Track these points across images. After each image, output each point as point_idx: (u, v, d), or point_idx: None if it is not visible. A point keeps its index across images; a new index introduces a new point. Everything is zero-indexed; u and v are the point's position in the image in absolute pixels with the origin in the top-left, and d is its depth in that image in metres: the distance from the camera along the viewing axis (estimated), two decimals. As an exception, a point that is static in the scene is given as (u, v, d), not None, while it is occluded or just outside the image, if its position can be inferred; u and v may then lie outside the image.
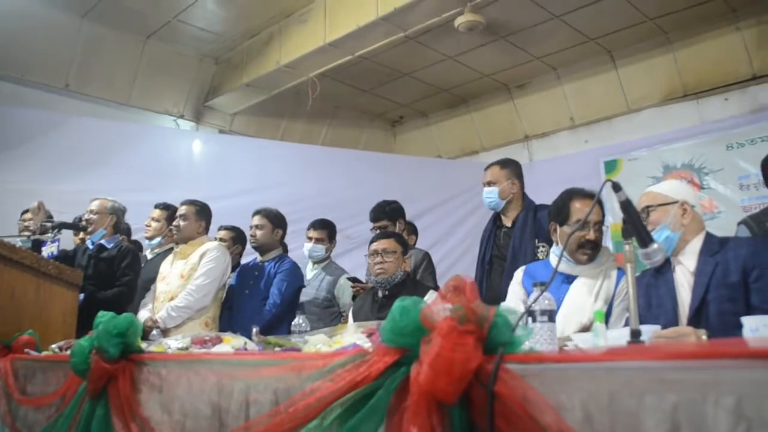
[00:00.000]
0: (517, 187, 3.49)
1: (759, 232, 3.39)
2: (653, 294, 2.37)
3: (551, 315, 1.55)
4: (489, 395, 1.08)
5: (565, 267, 2.61)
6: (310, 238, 4.40)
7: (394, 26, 5.66)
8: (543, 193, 3.48)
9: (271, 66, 6.50)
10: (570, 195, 2.70)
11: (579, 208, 2.62)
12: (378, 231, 4.02)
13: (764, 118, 5.77)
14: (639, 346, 1.26)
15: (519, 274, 2.81)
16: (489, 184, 3.53)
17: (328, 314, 4.23)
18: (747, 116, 5.88)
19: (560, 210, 2.69)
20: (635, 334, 1.43)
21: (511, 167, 3.59)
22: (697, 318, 2.19)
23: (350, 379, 1.30)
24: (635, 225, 1.53)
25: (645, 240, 1.56)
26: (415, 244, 4.68)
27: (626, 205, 1.53)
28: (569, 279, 2.58)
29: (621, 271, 2.56)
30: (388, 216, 4.15)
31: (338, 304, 4.31)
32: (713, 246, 2.29)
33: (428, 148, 7.99)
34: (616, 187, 1.51)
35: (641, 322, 2.29)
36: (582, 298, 2.49)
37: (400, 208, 4.25)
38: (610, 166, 6.57)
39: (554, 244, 2.77)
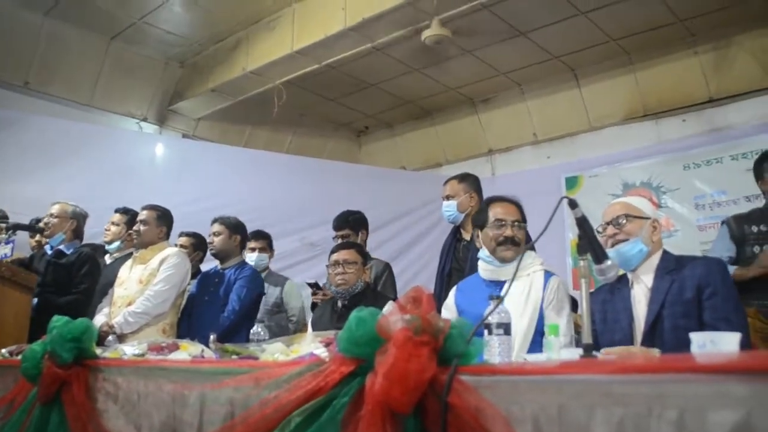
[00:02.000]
0: (476, 201, 3.54)
1: (737, 233, 3.44)
2: (609, 309, 2.42)
3: (507, 328, 1.57)
4: (443, 406, 1.10)
5: (491, 272, 2.65)
6: (253, 249, 4.52)
7: (362, 36, 5.70)
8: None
9: (237, 72, 6.48)
10: (489, 201, 2.80)
11: (497, 211, 2.68)
12: (340, 240, 4.03)
13: (720, 140, 5.93)
14: (588, 360, 1.29)
15: (452, 292, 2.82)
16: (448, 197, 3.58)
17: (278, 320, 4.30)
18: (703, 137, 6.03)
19: (480, 216, 2.76)
20: (588, 349, 1.46)
21: (469, 181, 3.64)
22: (651, 333, 2.24)
23: (307, 388, 1.30)
24: (590, 241, 1.57)
25: (599, 256, 1.59)
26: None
27: (581, 222, 1.56)
28: (499, 287, 2.58)
29: (548, 273, 2.60)
30: (351, 226, 4.16)
31: (287, 309, 4.44)
32: (670, 264, 2.36)
33: (393, 159, 8.02)
34: (572, 204, 1.54)
35: (597, 337, 2.35)
36: (514, 304, 2.47)
37: (363, 219, 4.27)
38: (571, 182, 6.68)
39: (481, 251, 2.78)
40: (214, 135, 7.35)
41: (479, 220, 2.75)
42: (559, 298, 2.54)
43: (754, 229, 3.37)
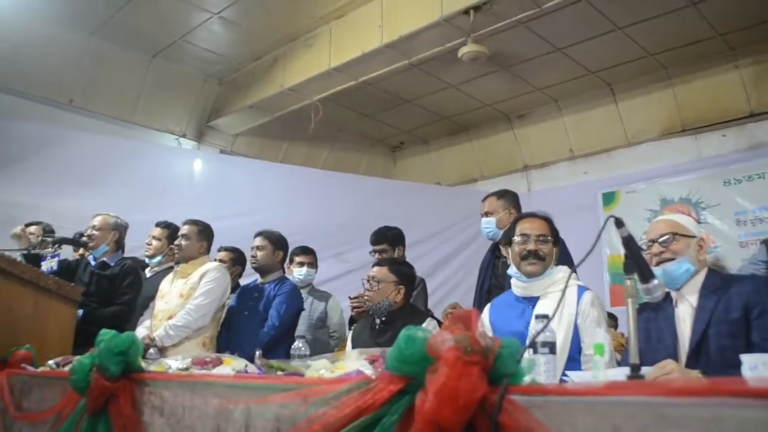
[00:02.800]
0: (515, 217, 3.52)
1: None
2: (653, 328, 2.37)
3: (552, 347, 1.57)
4: (493, 425, 1.10)
5: (521, 288, 2.63)
6: (301, 264, 4.51)
7: (398, 53, 5.74)
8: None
9: (274, 89, 6.57)
10: (517, 219, 2.78)
11: (523, 227, 2.67)
12: (376, 255, 4.04)
13: (761, 155, 5.85)
14: (640, 382, 1.28)
15: (486, 309, 2.80)
16: (486, 214, 3.57)
17: (320, 335, 4.31)
18: (744, 153, 5.96)
19: (508, 234, 2.76)
20: (635, 369, 1.44)
21: (508, 197, 3.64)
22: (697, 353, 2.20)
23: (355, 406, 1.30)
24: (637, 260, 1.56)
25: (646, 275, 1.58)
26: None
27: (628, 241, 1.55)
28: (532, 303, 2.57)
29: (582, 288, 2.57)
30: (389, 241, 4.17)
31: (329, 324, 4.46)
32: (715, 282, 2.31)
33: (428, 175, 8.04)
34: (619, 223, 1.53)
35: (644, 356, 2.32)
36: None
37: (401, 235, 4.28)
38: (608, 197, 6.62)
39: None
40: (251, 151, 7.45)
41: (507, 237, 2.75)
42: (595, 313, 2.51)
43: None
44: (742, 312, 2.17)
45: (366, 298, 3.26)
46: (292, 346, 2.59)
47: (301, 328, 4.24)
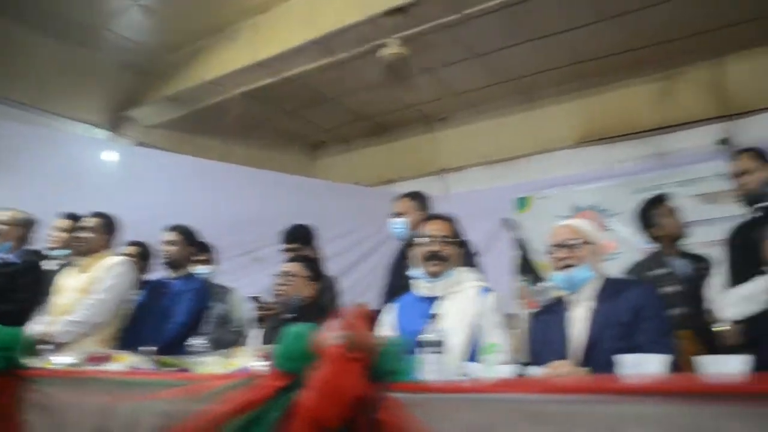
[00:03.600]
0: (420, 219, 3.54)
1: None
2: (548, 330, 2.43)
3: (441, 345, 1.59)
4: (372, 422, 1.10)
5: (424, 288, 2.68)
6: (202, 261, 4.48)
7: (322, 51, 5.71)
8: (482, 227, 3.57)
9: (194, 81, 6.42)
10: (421, 221, 2.85)
11: (427, 228, 2.73)
12: (289, 253, 4.02)
13: (667, 166, 6.08)
14: (515, 379, 1.31)
15: (390, 309, 2.84)
16: (398, 215, 3.59)
17: (222, 332, 4.27)
18: (651, 163, 6.19)
19: (414, 234, 2.81)
20: (522, 367, 1.48)
21: (420, 199, 3.68)
22: (589, 356, 2.26)
23: (239, 402, 1.29)
24: (529, 263, 1.59)
25: (538, 277, 1.62)
26: None
27: (521, 243, 1.59)
28: (434, 303, 2.61)
29: (485, 289, 2.62)
30: (301, 239, 4.15)
31: (231, 321, 4.43)
32: (609, 287, 2.40)
33: (347, 175, 8.00)
34: (512, 226, 1.57)
35: (536, 357, 2.38)
36: (449, 320, 2.48)
37: (313, 233, 4.26)
38: (522, 202, 6.76)
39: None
40: (167, 144, 7.24)
41: (413, 238, 2.78)
42: (495, 313, 2.56)
43: (656, 273, 3.53)
44: (631, 316, 2.26)
45: (278, 291, 3.27)
46: (192, 343, 2.55)
47: (206, 327, 4.17)
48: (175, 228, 4.08)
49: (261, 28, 6.01)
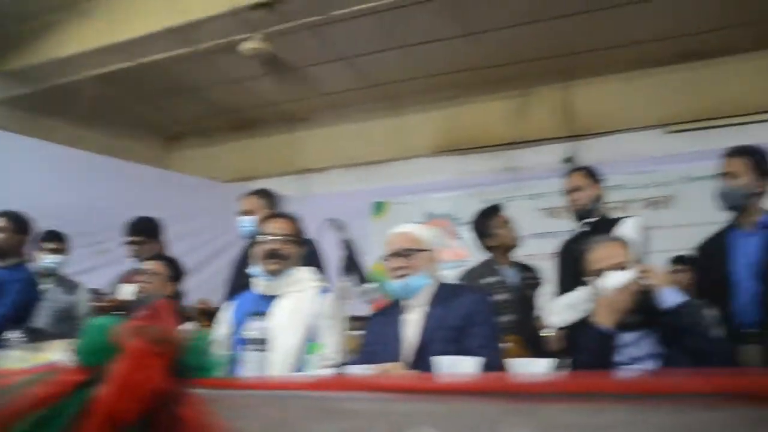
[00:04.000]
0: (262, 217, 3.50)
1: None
2: (382, 332, 2.47)
3: (263, 343, 1.58)
4: (171, 419, 1.07)
5: (262, 287, 2.67)
6: (50, 250, 4.23)
7: (182, 40, 5.52)
8: (316, 227, 3.54)
9: (42, 57, 6.00)
10: (263, 219, 2.86)
11: (268, 226, 2.73)
12: (133, 246, 3.87)
13: (515, 180, 6.41)
14: (314, 377, 1.32)
15: (228, 306, 2.82)
16: (246, 212, 3.54)
17: (64, 326, 4.04)
18: (502, 176, 6.49)
19: (256, 232, 2.82)
20: (342, 367, 1.50)
21: (269, 198, 3.64)
22: (420, 358, 2.30)
23: (36, 397, 1.22)
24: (354, 264, 1.62)
25: (362, 278, 1.65)
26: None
27: (348, 244, 1.61)
28: (272, 301, 2.61)
29: (324, 289, 2.63)
30: (146, 232, 4.00)
31: (78, 315, 4.18)
32: (444, 293, 2.48)
33: (205, 169, 7.74)
34: (339, 226, 1.59)
35: (368, 357, 2.42)
36: (286, 319, 2.52)
37: (159, 226, 4.12)
38: (378, 207, 6.89)
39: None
40: (9, 124, 6.69)
41: (254, 236, 2.77)
42: (331, 315, 2.55)
43: (487, 280, 3.68)
44: (462, 321, 2.35)
45: (140, 289, 3.26)
46: (7, 336, 2.38)
47: (44, 318, 3.93)
48: (4, 214, 3.81)
49: (119, 8, 5.70)
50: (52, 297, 4.08)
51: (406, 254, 2.42)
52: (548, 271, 4.00)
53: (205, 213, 6.66)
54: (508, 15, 5.17)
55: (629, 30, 5.37)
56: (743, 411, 0.78)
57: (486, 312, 2.45)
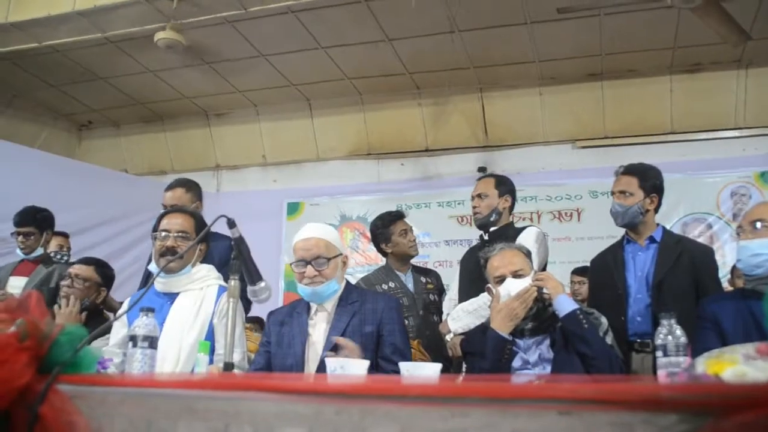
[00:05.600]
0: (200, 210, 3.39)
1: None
2: (286, 332, 2.46)
3: (153, 341, 1.54)
4: (32, 416, 1.03)
5: (162, 284, 2.61)
6: None
7: (92, 25, 5.33)
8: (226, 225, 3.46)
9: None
10: (162, 214, 2.79)
11: (163, 222, 2.69)
12: (21, 237, 3.72)
13: (430, 187, 6.52)
14: (180, 376, 1.30)
15: (125, 303, 2.75)
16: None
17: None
18: (417, 182, 6.59)
19: (153, 228, 2.74)
20: (228, 367, 1.47)
21: (196, 190, 3.55)
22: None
23: None
24: (246, 263, 1.59)
25: (254, 277, 1.63)
26: (68, 248, 4.49)
27: (239, 242, 1.59)
28: (171, 299, 2.57)
29: (222, 288, 2.60)
30: (37, 223, 3.84)
31: None
32: (352, 295, 2.50)
33: (115, 160, 7.49)
34: (231, 224, 1.56)
35: (269, 358, 2.40)
36: (183, 317, 2.48)
37: (51, 218, 3.96)
38: (293, 207, 6.84)
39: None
40: None
41: (153, 231, 2.71)
42: (226, 313, 2.54)
43: (384, 286, 3.71)
44: (375, 327, 2.40)
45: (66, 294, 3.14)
46: None
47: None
48: None
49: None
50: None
51: (318, 263, 2.39)
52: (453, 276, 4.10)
53: (115, 204, 6.43)
54: (426, 22, 5.22)
55: (541, 46, 5.53)
56: (597, 416, 0.80)
57: (398, 318, 2.48)
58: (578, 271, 5.03)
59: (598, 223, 5.85)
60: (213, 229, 3.39)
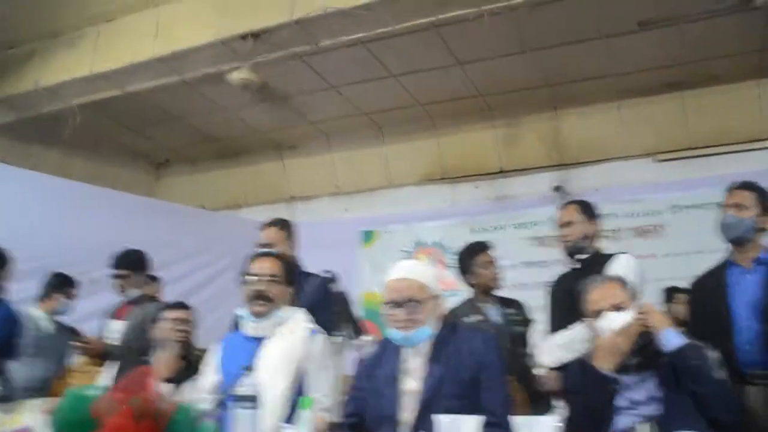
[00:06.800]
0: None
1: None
2: (377, 378, 2.30)
3: (254, 401, 1.51)
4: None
5: (250, 328, 2.57)
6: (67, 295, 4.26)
7: (169, 68, 5.49)
8: (302, 256, 3.46)
9: (27, 85, 5.94)
10: (251, 258, 2.73)
11: (254, 266, 2.64)
12: (117, 279, 3.80)
13: (505, 209, 6.40)
14: None
15: (216, 347, 2.70)
16: (265, 245, 3.36)
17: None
18: (492, 205, 6.50)
19: (243, 272, 2.69)
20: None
21: (288, 229, 3.54)
22: (426, 411, 2.12)
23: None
24: (349, 317, 1.55)
25: (357, 331, 1.59)
26: (159, 294, 4.56)
27: (341, 297, 1.55)
28: (259, 343, 2.52)
29: (314, 330, 2.54)
30: (131, 265, 3.92)
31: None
32: (446, 332, 2.30)
33: (192, 196, 7.67)
34: (333, 279, 1.53)
35: (363, 405, 2.29)
36: (273, 366, 2.40)
37: (145, 259, 4.03)
38: (367, 236, 6.83)
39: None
40: (-4, 152, 6.60)
41: (242, 275, 2.67)
42: (322, 357, 2.48)
43: (471, 319, 3.61)
44: (473, 372, 2.19)
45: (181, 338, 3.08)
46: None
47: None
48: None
49: (105, 37, 5.69)
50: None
51: (410, 306, 2.21)
52: (535, 302, 3.98)
53: (194, 241, 6.56)
54: (497, 44, 5.16)
55: (617, 60, 5.37)
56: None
57: (497, 359, 2.26)
58: (671, 291, 4.82)
59: (681, 238, 5.65)
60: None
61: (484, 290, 3.76)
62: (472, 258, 3.78)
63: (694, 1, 4.58)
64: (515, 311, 3.73)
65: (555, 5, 4.61)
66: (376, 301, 6.49)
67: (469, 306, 3.73)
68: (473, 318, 3.61)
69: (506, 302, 3.83)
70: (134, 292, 4.03)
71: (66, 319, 4.44)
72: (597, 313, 2.38)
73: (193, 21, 5.27)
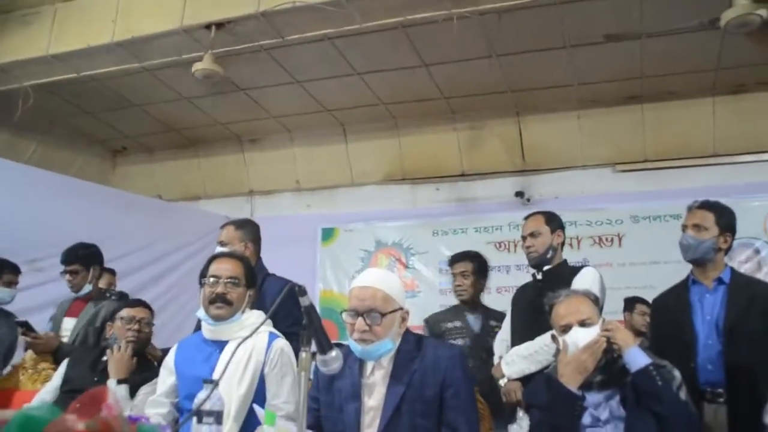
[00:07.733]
0: (251, 252, 3.24)
1: (435, 329, 3.83)
2: (337, 392, 2.24)
3: (218, 416, 1.45)
4: None
5: (209, 331, 2.49)
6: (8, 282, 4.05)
7: (129, 54, 5.34)
8: (261, 251, 3.39)
9: (-23, 62, 5.70)
10: (211, 258, 2.65)
11: (214, 267, 2.55)
12: (68, 275, 3.68)
13: (467, 212, 6.42)
14: None
15: (173, 350, 2.59)
16: (221, 243, 3.25)
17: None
18: (453, 207, 6.50)
19: (202, 273, 2.60)
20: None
21: (248, 229, 3.36)
22: (390, 428, 2.12)
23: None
24: (316, 331, 1.50)
25: (324, 347, 1.54)
26: (114, 286, 4.44)
27: (309, 311, 1.50)
28: (220, 347, 2.44)
29: (273, 335, 2.49)
30: (81, 261, 3.78)
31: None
32: (410, 346, 2.24)
33: (149, 186, 7.49)
34: (302, 292, 1.48)
35: (319, 419, 2.24)
36: (233, 366, 2.31)
37: (96, 254, 3.90)
38: (327, 233, 6.78)
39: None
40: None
41: (201, 276, 2.58)
42: (282, 363, 2.41)
43: (449, 325, 3.81)
44: (437, 389, 2.14)
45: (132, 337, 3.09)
46: None
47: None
48: None
49: (62, 18, 5.47)
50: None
51: (371, 317, 2.13)
52: (496, 306, 4.06)
53: (150, 232, 6.39)
54: (464, 48, 5.13)
55: (580, 70, 5.42)
56: None
57: (462, 377, 2.19)
58: (631, 301, 4.88)
59: (639, 248, 5.75)
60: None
61: (472, 299, 3.90)
62: (451, 266, 4.05)
63: (661, 17, 4.64)
64: (498, 324, 3.73)
65: (523, 12, 4.61)
66: (334, 299, 6.50)
67: (452, 312, 3.91)
68: (453, 323, 3.77)
69: (493, 314, 3.92)
70: (86, 288, 3.89)
71: (11, 309, 4.28)
72: (564, 328, 2.37)
73: (156, 6, 5.12)
